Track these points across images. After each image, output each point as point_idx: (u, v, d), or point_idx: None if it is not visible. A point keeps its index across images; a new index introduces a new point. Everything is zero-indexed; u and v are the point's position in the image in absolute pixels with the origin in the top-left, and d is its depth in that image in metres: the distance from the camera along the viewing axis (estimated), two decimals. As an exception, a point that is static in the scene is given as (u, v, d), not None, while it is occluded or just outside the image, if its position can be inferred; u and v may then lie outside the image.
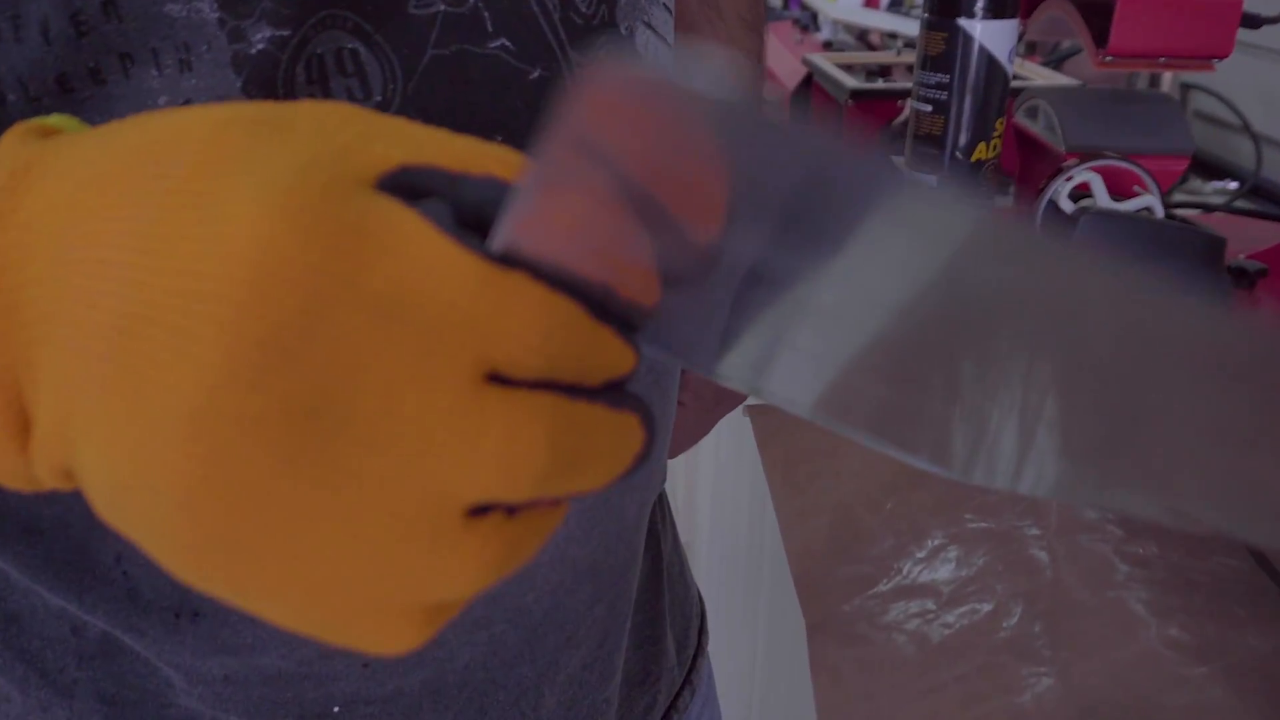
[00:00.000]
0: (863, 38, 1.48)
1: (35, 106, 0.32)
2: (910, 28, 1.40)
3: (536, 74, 0.38)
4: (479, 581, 0.22)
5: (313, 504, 0.20)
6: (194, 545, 0.21)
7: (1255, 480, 0.23)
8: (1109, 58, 0.68)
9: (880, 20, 1.46)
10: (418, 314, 0.20)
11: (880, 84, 1.04)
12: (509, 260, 0.20)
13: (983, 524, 0.46)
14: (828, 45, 1.41)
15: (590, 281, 0.21)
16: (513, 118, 0.38)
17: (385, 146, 0.21)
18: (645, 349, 0.23)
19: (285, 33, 0.34)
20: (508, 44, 0.38)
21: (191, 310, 0.20)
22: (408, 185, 0.21)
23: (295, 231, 0.20)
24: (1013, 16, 0.70)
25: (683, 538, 0.59)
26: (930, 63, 0.73)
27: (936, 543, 0.46)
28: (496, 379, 0.21)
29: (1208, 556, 0.40)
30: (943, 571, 0.44)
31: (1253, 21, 0.78)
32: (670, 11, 0.45)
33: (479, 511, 0.21)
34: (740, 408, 0.67)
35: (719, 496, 1.02)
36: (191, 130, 0.22)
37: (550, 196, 0.20)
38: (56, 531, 0.37)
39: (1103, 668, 0.35)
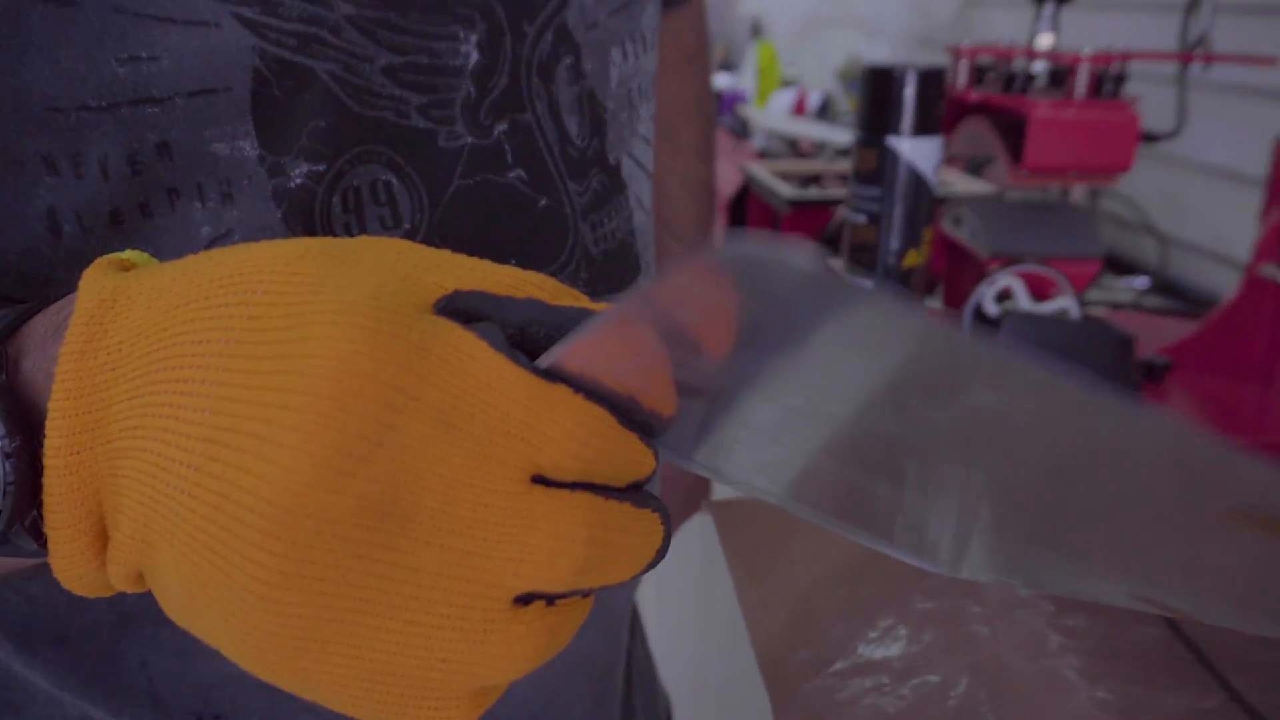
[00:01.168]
0: (793, 145, 1.56)
1: (88, 238, 0.35)
2: (838, 136, 1.48)
3: (544, 202, 0.42)
4: (524, 667, 0.24)
5: (379, 597, 0.23)
6: (267, 637, 0.23)
7: (1176, 560, 0.24)
8: (1024, 172, 0.75)
9: (810, 129, 1.54)
10: (475, 423, 0.22)
11: (815, 192, 1.11)
12: (553, 374, 0.23)
13: (929, 604, 0.50)
14: (761, 153, 1.48)
15: (620, 394, 0.24)
16: (524, 242, 0.42)
17: (439, 275, 0.24)
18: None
19: (321, 167, 0.37)
20: (523, 174, 0.42)
21: (277, 420, 0.22)
22: (461, 309, 0.24)
23: (371, 350, 0.22)
24: (936, 135, 0.77)
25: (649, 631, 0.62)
26: (863, 177, 0.79)
27: (887, 623, 0.50)
28: (540, 480, 0.23)
29: (1130, 626, 0.44)
30: (894, 649, 0.48)
31: (1151, 138, 0.86)
32: (649, 144, 0.50)
33: (523, 601, 0.24)
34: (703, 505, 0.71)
35: (683, 594, 1.05)
36: (267, 263, 0.24)
37: (609, 332, 0.23)
38: (85, 638, 0.39)
39: (1042, 729, 0.39)
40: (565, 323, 0.25)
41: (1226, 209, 1.18)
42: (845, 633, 0.50)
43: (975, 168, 1.29)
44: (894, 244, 0.79)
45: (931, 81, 0.75)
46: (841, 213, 1.07)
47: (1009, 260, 0.77)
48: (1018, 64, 0.79)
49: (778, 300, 0.22)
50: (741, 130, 1.65)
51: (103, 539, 0.25)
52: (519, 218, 0.42)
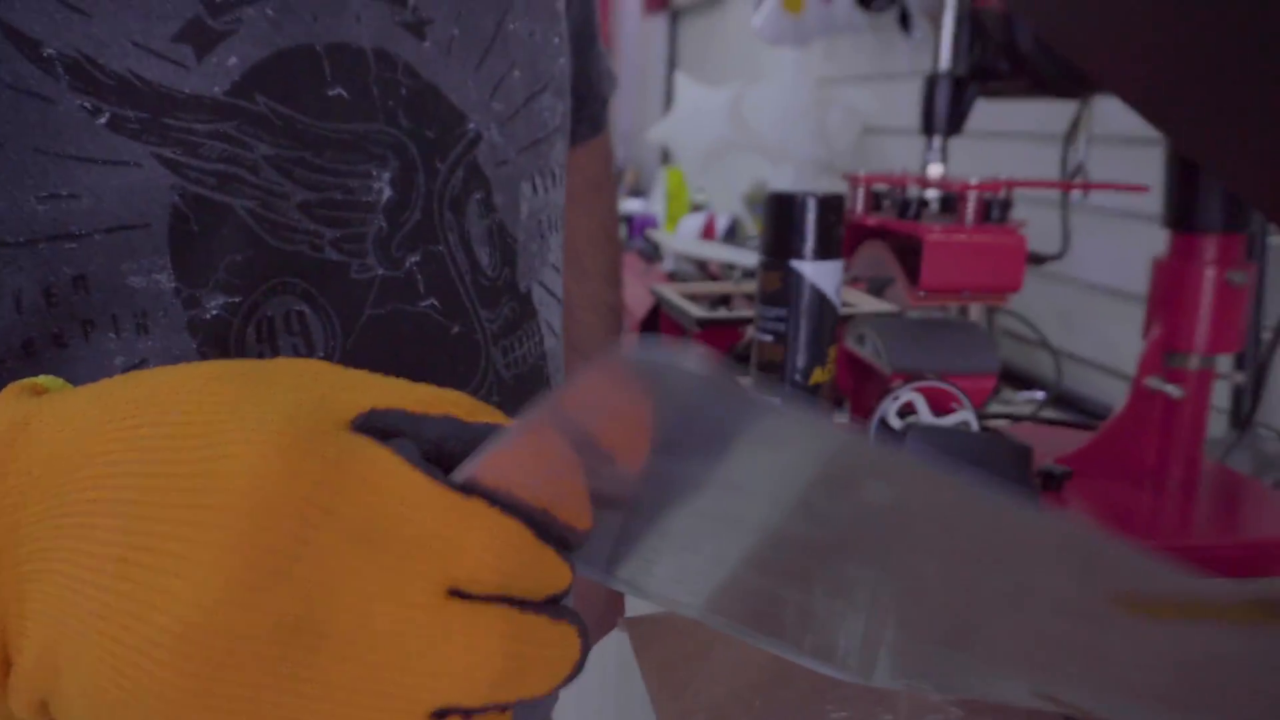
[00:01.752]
0: (703, 267, 1.60)
1: (0, 369, 0.36)
2: (745, 258, 1.53)
3: (456, 329, 0.44)
4: None
5: (293, 713, 0.23)
6: None
7: (1073, 654, 0.25)
8: (921, 293, 0.78)
9: (717, 252, 1.58)
10: (391, 537, 0.23)
11: (723, 313, 1.14)
12: (469, 489, 0.24)
13: (842, 714, 0.51)
14: (672, 275, 1.52)
15: (535, 507, 0.24)
16: (436, 367, 0.43)
17: (355, 394, 0.25)
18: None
19: (237, 299, 0.39)
20: (435, 303, 0.43)
21: (191, 537, 0.22)
22: (377, 426, 0.25)
23: (285, 467, 0.23)
24: (838, 258, 0.80)
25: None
26: (768, 298, 0.82)
27: (803, 734, 0.50)
28: (457, 594, 0.23)
29: (1036, 728, 0.45)
30: (811, 760, 0.48)
31: (1038, 259, 0.91)
32: (559, 271, 0.52)
33: (439, 716, 0.24)
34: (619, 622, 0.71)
35: (600, 712, 1.04)
36: (183, 384, 0.25)
37: (522, 444, 0.24)
38: None
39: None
40: (480, 439, 0.25)
41: (1113, 324, 1.25)
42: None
43: (878, 289, 1.35)
44: (800, 362, 0.82)
45: (831, 207, 0.79)
46: (750, 332, 1.10)
47: (911, 376, 0.80)
48: (911, 191, 0.84)
49: (687, 407, 0.22)
50: (652, 253, 1.69)
51: (4, 666, 0.25)
52: (431, 345, 0.44)
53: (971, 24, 0.81)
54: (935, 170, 0.82)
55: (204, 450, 0.23)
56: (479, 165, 0.46)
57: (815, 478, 0.23)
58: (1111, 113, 1.02)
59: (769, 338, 0.82)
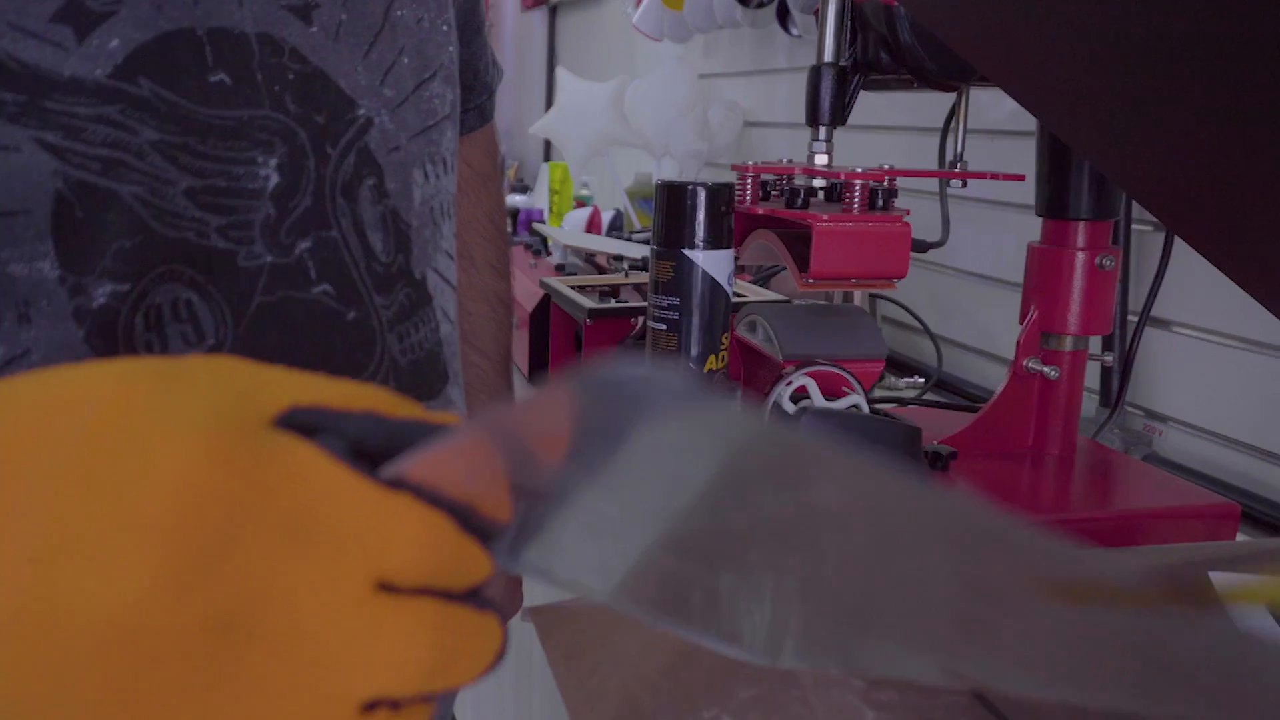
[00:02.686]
0: (590, 260, 1.60)
1: None
2: (632, 250, 1.53)
3: (351, 315, 0.43)
4: None
5: (223, 712, 0.22)
6: None
7: (984, 634, 0.25)
8: (810, 280, 0.80)
9: (605, 245, 1.59)
10: (319, 533, 0.23)
11: (613, 303, 1.14)
12: (396, 484, 0.24)
13: (750, 691, 0.52)
14: (560, 268, 1.52)
15: (459, 501, 0.24)
16: (332, 354, 0.43)
17: (275, 392, 0.25)
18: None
19: (125, 287, 0.37)
20: (329, 289, 0.43)
21: (116, 538, 0.22)
22: (299, 423, 0.24)
23: (214, 465, 0.22)
24: (728, 247, 0.81)
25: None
26: (662, 287, 0.82)
27: (711, 713, 0.51)
28: (385, 587, 0.23)
29: (937, 695, 0.47)
30: (721, 738, 0.49)
31: (920, 247, 0.93)
32: (452, 259, 0.52)
33: (369, 709, 0.24)
34: (520, 613, 0.71)
35: (500, 703, 1.04)
36: (95, 384, 0.24)
37: (448, 445, 0.24)
38: None
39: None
40: (402, 434, 0.25)
41: (989, 310, 1.29)
42: (672, 726, 0.51)
43: (764, 279, 1.37)
44: (694, 350, 0.83)
45: (721, 197, 0.80)
46: (641, 322, 1.10)
47: (802, 362, 0.81)
48: (798, 180, 0.85)
49: (628, 406, 0.23)
50: (540, 247, 1.69)
51: None
52: (326, 332, 0.43)
53: (853, 18, 0.83)
54: (821, 160, 0.84)
55: (123, 450, 0.23)
56: (370, 151, 0.45)
57: (730, 464, 0.24)
58: (986, 105, 1.06)
59: (663, 326, 0.83)
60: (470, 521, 0.25)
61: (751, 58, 1.90)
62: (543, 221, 2.14)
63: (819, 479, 0.22)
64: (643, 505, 0.27)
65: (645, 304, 1.15)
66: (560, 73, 1.99)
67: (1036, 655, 0.24)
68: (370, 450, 0.25)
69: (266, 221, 0.41)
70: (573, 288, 1.20)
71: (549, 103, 2.85)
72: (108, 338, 0.37)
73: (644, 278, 1.30)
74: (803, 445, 0.22)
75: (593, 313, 1.09)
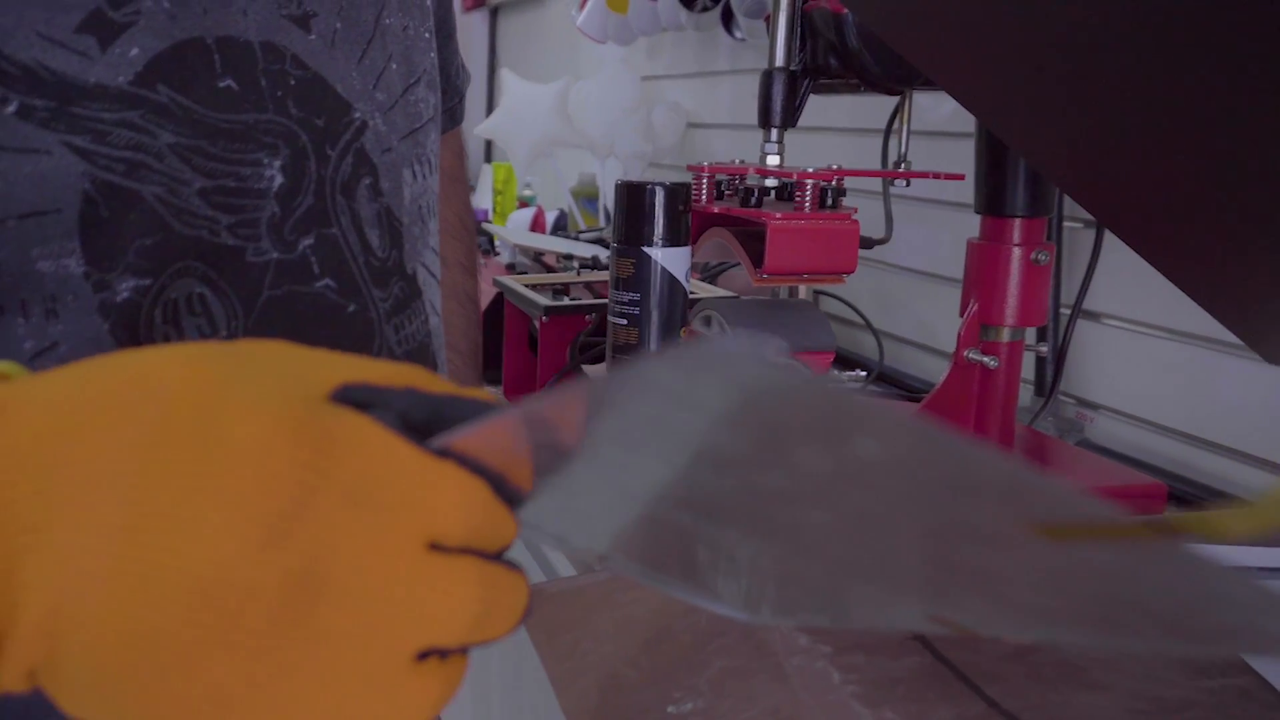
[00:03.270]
0: (538, 259, 1.63)
1: None
2: (581, 249, 1.56)
3: (352, 308, 0.46)
4: (427, 715, 0.26)
5: (296, 661, 0.25)
6: (188, 708, 0.24)
7: (980, 577, 0.26)
8: (765, 275, 0.83)
9: (554, 244, 1.61)
10: (379, 498, 0.25)
11: (569, 301, 1.17)
12: (442, 453, 0.26)
13: (724, 662, 0.55)
14: (511, 267, 1.54)
15: (494, 470, 0.27)
16: (334, 345, 0.45)
17: (326, 371, 0.27)
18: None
19: (147, 282, 0.40)
20: (331, 284, 0.45)
21: (202, 503, 0.24)
22: (350, 399, 0.27)
23: (287, 437, 0.25)
24: (686, 244, 0.85)
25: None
26: (622, 284, 0.85)
27: (691, 684, 0.54)
28: (434, 547, 0.26)
29: (899, 657, 0.50)
30: (700, 705, 0.52)
31: (866, 243, 0.97)
32: (437, 254, 0.54)
33: (421, 657, 0.26)
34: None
35: (488, 677, 1.06)
36: (164, 367, 0.26)
37: (496, 427, 0.26)
38: None
39: (840, 749, 0.44)
40: (442, 407, 0.27)
41: (929, 305, 1.34)
42: (653, 696, 0.54)
43: (712, 276, 1.40)
44: (654, 344, 0.86)
45: (679, 196, 0.83)
46: (597, 317, 1.13)
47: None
48: (751, 180, 0.89)
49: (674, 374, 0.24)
50: (488, 247, 1.71)
51: None
52: (328, 323, 0.45)
53: (803, 24, 0.86)
54: (773, 161, 0.87)
55: (201, 424, 0.25)
56: (366, 152, 0.48)
57: (769, 420, 0.25)
58: (925, 107, 1.11)
59: (623, 321, 0.86)
60: (502, 488, 0.28)
61: (695, 60, 1.94)
62: (488, 221, 2.16)
63: (861, 435, 0.23)
64: (645, 464, 0.29)
65: (598, 301, 1.18)
66: (504, 74, 2.01)
67: (1015, 595, 0.26)
68: (414, 422, 0.27)
69: (272, 220, 0.43)
70: (526, 286, 1.23)
71: (490, 104, 2.86)
72: (130, 330, 0.39)
73: (595, 276, 1.33)
74: (852, 402, 0.23)
75: (548, 310, 1.12)
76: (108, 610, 0.24)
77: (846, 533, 0.26)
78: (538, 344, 1.17)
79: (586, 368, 1.14)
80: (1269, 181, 0.63)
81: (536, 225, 2.04)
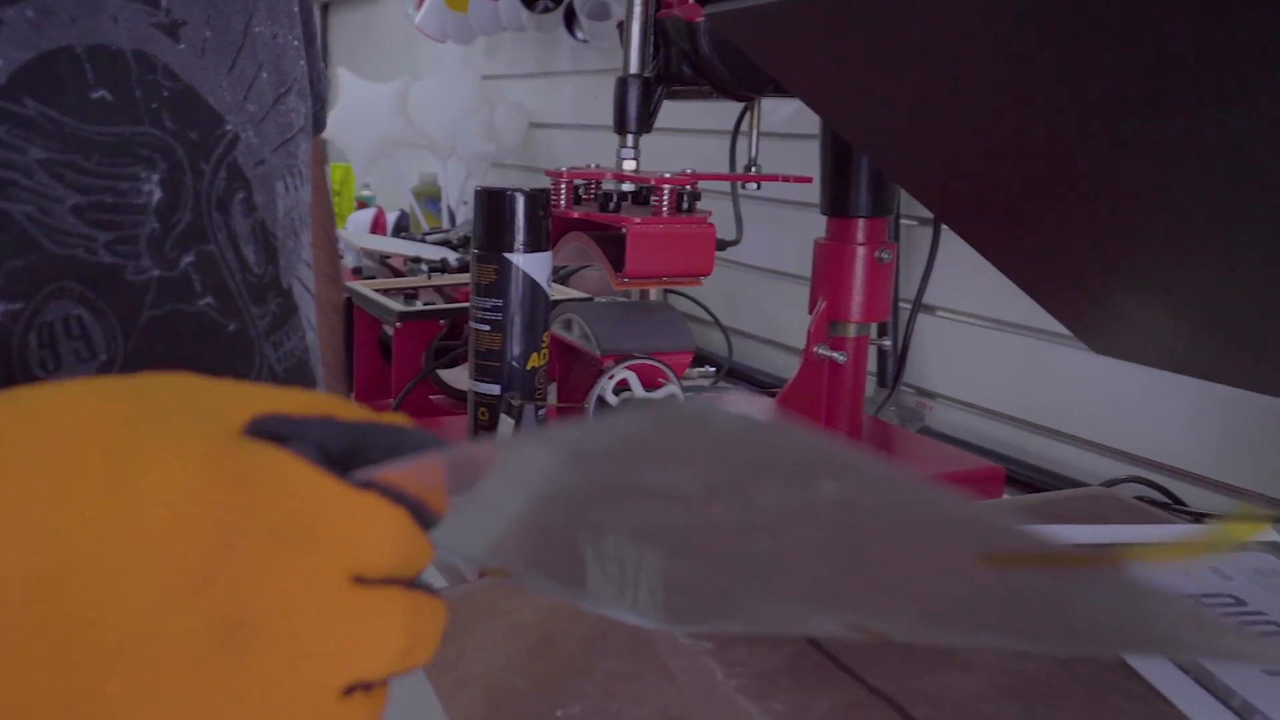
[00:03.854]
0: (384, 262, 1.60)
1: None
2: (427, 251, 1.54)
3: (232, 327, 0.45)
4: None
5: (223, 706, 0.24)
6: None
7: (910, 596, 0.27)
8: (626, 279, 0.85)
9: (402, 247, 1.59)
10: (304, 534, 0.25)
11: (422, 306, 1.16)
12: (366, 484, 0.26)
13: (610, 664, 0.56)
14: (357, 272, 1.51)
15: (414, 498, 0.27)
16: (216, 365, 0.44)
17: (238, 404, 0.26)
18: None
19: (18, 306, 0.38)
20: (212, 302, 0.44)
21: (121, 552, 0.23)
22: (265, 431, 0.26)
23: (205, 478, 0.24)
24: (547, 249, 0.85)
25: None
26: (484, 290, 0.85)
27: (578, 686, 0.55)
28: (359, 580, 0.25)
29: (779, 649, 0.52)
30: (587, 707, 0.53)
31: (719, 245, 1.00)
32: (311, 268, 0.53)
33: (348, 692, 0.26)
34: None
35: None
36: (69, 405, 0.25)
37: (421, 464, 0.27)
38: None
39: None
40: (359, 435, 0.27)
41: (776, 304, 1.38)
42: (542, 703, 0.54)
43: (563, 279, 1.41)
44: (517, 349, 0.86)
45: (539, 201, 0.84)
46: (450, 323, 1.13)
47: (620, 357, 0.86)
48: (608, 185, 0.90)
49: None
50: (330, 250, 1.67)
51: None
52: (210, 343, 0.44)
53: (656, 32, 0.88)
54: (630, 165, 0.89)
55: (113, 469, 0.24)
56: (239, 165, 0.47)
57: (739, 464, 0.24)
58: (767, 110, 1.13)
59: (486, 327, 0.86)
60: (421, 514, 0.28)
61: (536, 60, 1.94)
62: (326, 223, 2.11)
63: (827, 478, 0.23)
64: (568, 483, 0.29)
65: (454, 306, 1.17)
66: (340, 73, 1.97)
67: (943, 609, 0.26)
68: (333, 452, 0.27)
69: (152, 236, 0.42)
70: (377, 291, 1.21)
71: (322, 102, 2.79)
72: (3, 358, 0.37)
73: (447, 280, 1.32)
74: (826, 450, 0.23)
75: (402, 315, 1.10)
76: (20, 676, 0.23)
77: (786, 559, 0.26)
78: (391, 351, 1.15)
79: (442, 372, 1.13)
80: (1094, 182, 0.67)
81: (377, 227, 2.00)
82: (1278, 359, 0.71)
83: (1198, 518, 0.83)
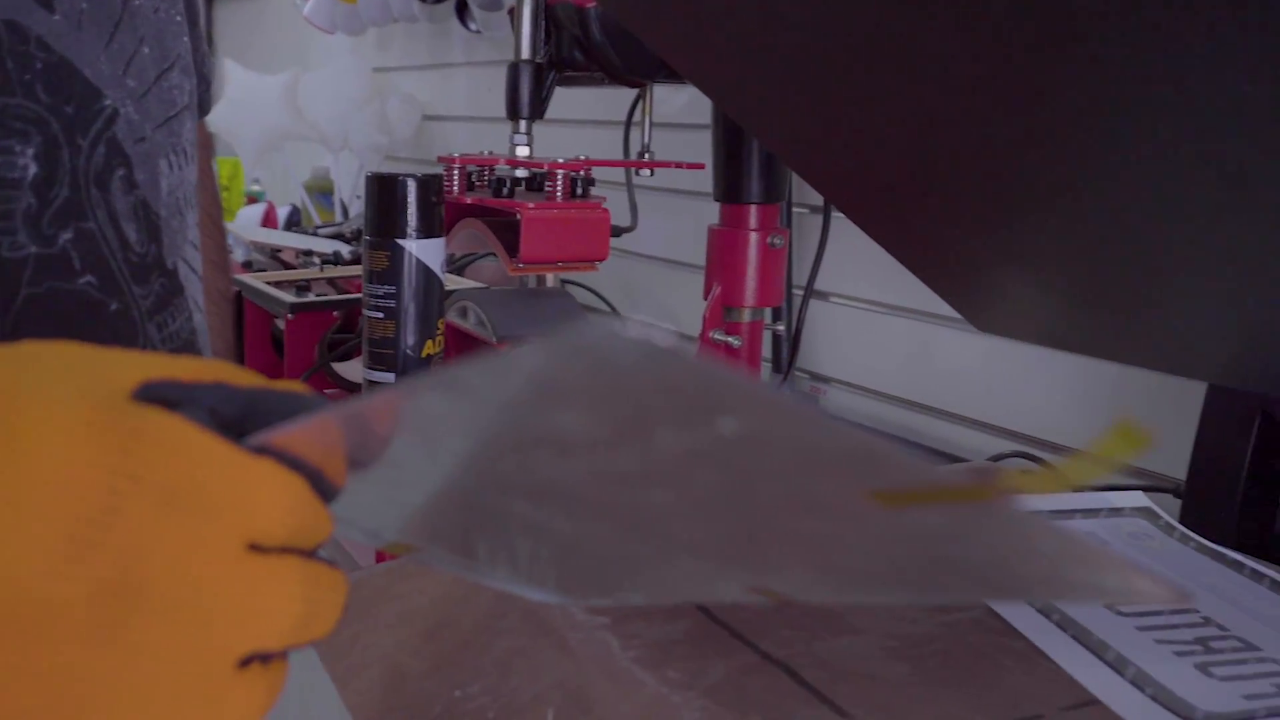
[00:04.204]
0: (275, 256, 1.57)
1: None
2: (319, 245, 1.52)
3: (114, 306, 0.44)
4: None
5: (112, 678, 0.23)
6: None
7: (807, 547, 0.26)
8: (521, 265, 0.85)
9: (292, 240, 1.57)
10: (194, 499, 0.24)
11: (314, 297, 1.14)
12: (261, 449, 0.25)
13: (508, 643, 0.56)
14: (248, 265, 1.48)
15: (312, 467, 0.27)
16: (98, 345, 0.43)
17: (124, 369, 0.26)
18: None
19: None
20: (92, 280, 0.43)
21: (1, 518, 0.22)
22: (155, 397, 0.25)
23: (90, 441, 0.23)
24: (440, 235, 0.85)
25: None
26: (376, 277, 0.84)
27: (476, 665, 0.55)
28: (254, 548, 0.25)
29: (674, 620, 0.53)
30: (486, 684, 0.53)
31: (614, 232, 1.00)
32: (197, 249, 0.52)
33: (244, 663, 0.25)
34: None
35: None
36: None
37: (316, 424, 0.26)
38: None
39: (631, 711, 0.47)
40: (253, 401, 0.26)
41: (671, 292, 1.39)
42: (440, 684, 0.54)
43: (459, 268, 1.40)
44: (411, 336, 0.85)
45: (431, 187, 0.83)
46: (343, 315, 1.11)
47: (516, 342, 0.86)
48: (501, 171, 0.90)
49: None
50: (218, 244, 1.63)
51: None
52: (91, 322, 0.43)
53: (547, 18, 0.88)
54: (523, 151, 0.89)
55: None
56: (119, 141, 0.46)
57: (631, 401, 0.23)
58: (660, 99, 1.14)
59: (379, 314, 0.85)
60: (319, 484, 0.27)
61: (428, 52, 1.92)
62: (214, 219, 2.06)
63: (724, 413, 0.22)
64: (467, 451, 0.28)
65: (346, 297, 1.16)
66: (226, 64, 1.93)
67: (841, 562, 0.26)
68: (226, 418, 0.26)
69: (28, 212, 0.40)
70: (268, 284, 1.19)
71: (208, 95, 2.72)
72: None
73: (340, 272, 1.30)
74: (722, 380, 0.22)
75: (294, 307, 1.09)
76: None
77: (686, 512, 0.26)
78: (283, 344, 1.13)
79: (336, 365, 1.12)
80: (970, 162, 0.70)
81: (268, 223, 1.96)
82: (1143, 331, 0.75)
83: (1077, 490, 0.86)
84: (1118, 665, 0.49)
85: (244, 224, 1.92)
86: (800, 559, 0.27)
